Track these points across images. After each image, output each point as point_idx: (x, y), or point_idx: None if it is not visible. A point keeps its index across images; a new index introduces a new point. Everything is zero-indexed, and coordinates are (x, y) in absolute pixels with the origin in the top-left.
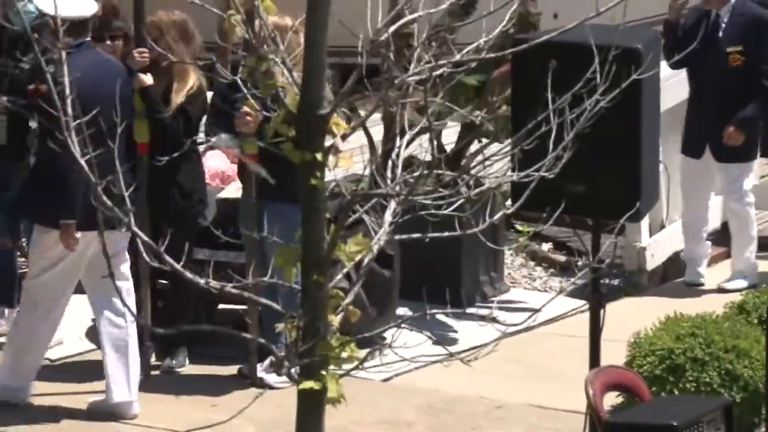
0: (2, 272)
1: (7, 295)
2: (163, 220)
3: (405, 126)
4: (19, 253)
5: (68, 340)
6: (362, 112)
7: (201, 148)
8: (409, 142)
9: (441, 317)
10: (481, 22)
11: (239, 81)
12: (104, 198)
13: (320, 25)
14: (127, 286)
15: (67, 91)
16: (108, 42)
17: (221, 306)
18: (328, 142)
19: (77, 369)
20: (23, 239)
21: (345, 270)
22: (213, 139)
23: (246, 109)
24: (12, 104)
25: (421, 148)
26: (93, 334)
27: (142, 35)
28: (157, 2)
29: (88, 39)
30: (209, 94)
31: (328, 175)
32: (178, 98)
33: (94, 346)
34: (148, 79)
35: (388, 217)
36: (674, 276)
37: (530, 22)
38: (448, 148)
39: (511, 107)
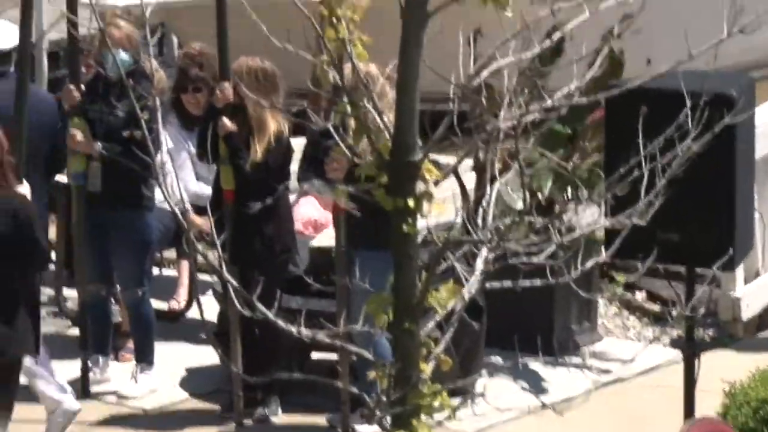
0: (96, 321)
1: (102, 343)
2: (250, 268)
3: (496, 173)
4: (113, 301)
5: (162, 388)
6: (453, 159)
7: (293, 195)
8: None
9: (533, 366)
10: (572, 67)
11: (331, 128)
12: (196, 243)
13: (412, 71)
14: None
15: (161, 137)
16: (191, 93)
17: (313, 354)
18: (420, 188)
19: (171, 418)
20: (117, 287)
21: (436, 318)
22: (306, 185)
23: (336, 155)
24: (107, 151)
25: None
26: (187, 381)
27: (227, 78)
28: (244, 48)
29: (11, 70)
30: (301, 141)
31: (420, 222)
32: (258, 146)
33: (187, 395)
34: (231, 124)
35: (479, 264)
36: None
37: (618, 62)
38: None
39: (604, 153)
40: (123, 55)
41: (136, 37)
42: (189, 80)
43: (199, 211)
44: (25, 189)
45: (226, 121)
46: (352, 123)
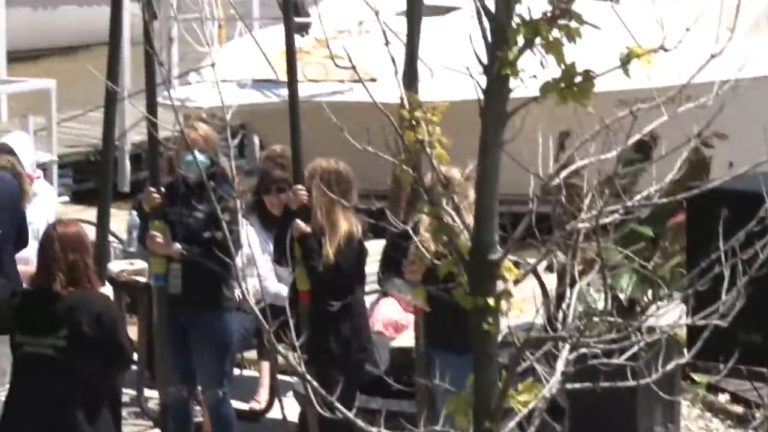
0: (177, 421)
1: None
2: (328, 369)
3: (576, 273)
4: (194, 402)
5: None
6: (533, 259)
7: (374, 296)
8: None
9: None
10: (653, 169)
11: (409, 229)
12: (276, 343)
13: (491, 171)
14: None
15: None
16: (274, 194)
17: None
18: (500, 287)
19: None
20: (198, 387)
21: (517, 419)
22: (386, 286)
23: (415, 256)
24: (187, 252)
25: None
26: None
27: (302, 179)
28: (322, 149)
29: None
30: (381, 243)
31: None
32: (330, 246)
33: None
34: (306, 226)
35: (560, 365)
36: None
37: (703, 167)
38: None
39: (686, 254)
40: (201, 157)
41: (215, 138)
42: (272, 181)
43: (278, 311)
44: (107, 290)
45: (300, 223)
46: (431, 223)
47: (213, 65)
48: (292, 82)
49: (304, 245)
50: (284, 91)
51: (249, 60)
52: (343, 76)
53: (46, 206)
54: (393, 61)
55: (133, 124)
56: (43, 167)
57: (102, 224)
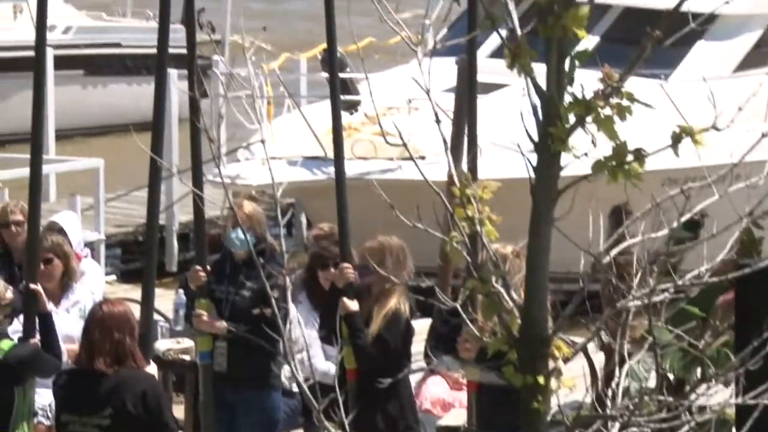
0: None
1: None
2: None
3: (625, 354)
4: None
5: None
6: (583, 337)
7: (420, 374)
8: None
9: None
10: (703, 248)
11: (458, 307)
12: (325, 422)
13: (542, 250)
14: None
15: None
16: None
17: None
18: (550, 365)
19: None
20: None
21: None
22: (434, 363)
23: (468, 334)
24: (234, 330)
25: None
26: None
27: (349, 257)
28: (373, 225)
29: None
30: (427, 322)
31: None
32: (376, 323)
33: None
34: (353, 304)
35: None
36: None
37: (753, 246)
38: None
39: (735, 333)
40: (248, 235)
41: (262, 216)
42: (330, 257)
43: (327, 389)
44: (153, 369)
45: (347, 301)
46: (481, 300)
47: (262, 142)
48: (338, 159)
49: (351, 323)
50: (332, 169)
51: (298, 137)
52: (392, 154)
53: (93, 285)
54: (443, 138)
55: (178, 198)
56: (91, 246)
57: (147, 303)
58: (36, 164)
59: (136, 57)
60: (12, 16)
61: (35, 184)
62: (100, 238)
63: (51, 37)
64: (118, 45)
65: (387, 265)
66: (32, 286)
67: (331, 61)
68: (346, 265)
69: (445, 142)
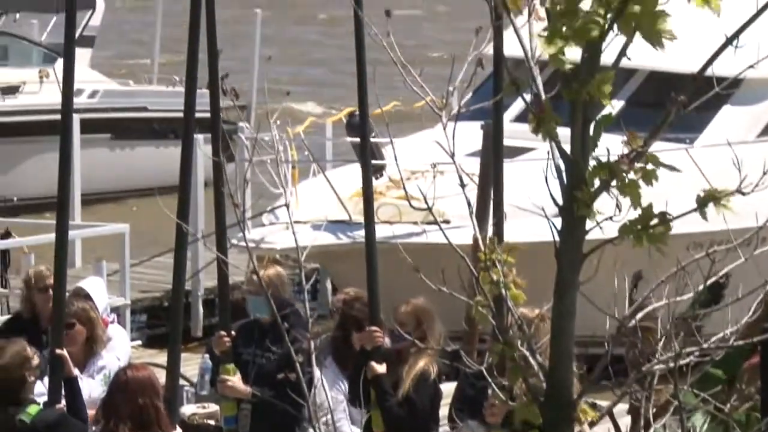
0: None
1: None
2: None
3: (650, 418)
4: None
5: None
6: (608, 401)
7: None
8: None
9: None
10: (727, 311)
11: (484, 370)
12: None
13: (567, 313)
14: None
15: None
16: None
17: None
18: (576, 429)
19: None
20: None
21: None
22: (460, 427)
23: (495, 399)
24: (259, 394)
25: None
26: None
27: (377, 320)
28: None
29: None
30: (452, 385)
31: None
32: (405, 385)
33: None
34: (380, 367)
35: None
36: None
37: None
38: None
39: (761, 397)
40: (253, 301)
41: (286, 280)
42: (365, 320)
43: None
44: None
45: (374, 364)
46: (507, 363)
47: (286, 206)
48: (369, 224)
49: (378, 385)
50: (358, 233)
51: (323, 201)
52: (417, 218)
53: (119, 350)
54: (468, 202)
55: (204, 265)
56: (117, 311)
57: (173, 368)
58: (62, 229)
59: (162, 120)
60: (38, 81)
61: (61, 250)
62: (125, 303)
63: (77, 101)
64: (144, 109)
65: (421, 329)
66: (58, 350)
67: (363, 126)
68: (374, 328)
69: (470, 205)
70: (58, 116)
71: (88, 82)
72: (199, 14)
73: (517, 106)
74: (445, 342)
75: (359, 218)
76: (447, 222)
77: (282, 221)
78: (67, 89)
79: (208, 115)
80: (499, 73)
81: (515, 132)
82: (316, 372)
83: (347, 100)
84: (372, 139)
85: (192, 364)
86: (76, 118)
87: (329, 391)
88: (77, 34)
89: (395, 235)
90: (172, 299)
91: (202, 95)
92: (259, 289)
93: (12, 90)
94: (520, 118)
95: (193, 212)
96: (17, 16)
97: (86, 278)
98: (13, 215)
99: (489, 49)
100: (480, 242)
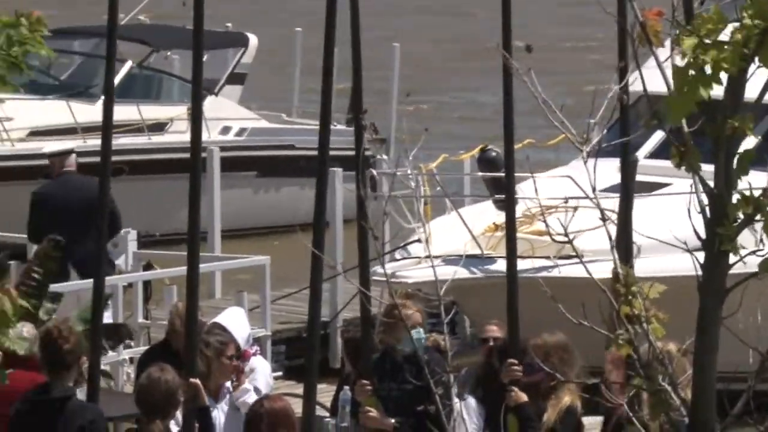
0: None
1: None
2: None
3: None
4: None
5: None
6: None
7: None
8: None
9: None
10: None
11: (625, 405)
12: None
13: (710, 348)
14: None
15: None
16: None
17: None
18: None
19: None
20: None
21: None
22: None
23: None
24: (400, 426)
25: None
26: None
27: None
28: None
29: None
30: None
31: None
32: (550, 418)
33: None
34: (522, 396)
35: None
36: None
37: None
38: None
39: None
40: (416, 333)
41: (424, 314)
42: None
43: None
44: None
45: (518, 392)
46: (648, 398)
47: (420, 241)
48: (511, 258)
49: (522, 414)
50: (492, 267)
51: (456, 236)
52: (549, 252)
53: (260, 381)
54: (609, 236)
55: (348, 301)
56: (258, 343)
57: (310, 399)
58: (193, 261)
59: (309, 158)
60: (186, 118)
61: (192, 281)
62: (266, 334)
63: (225, 138)
64: (291, 147)
65: (552, 361)
66: (192, 380)
67: (507, 164)
68: (512, 361)
69: (610, 238)
70: (202, 153)
71: (237, 120)
72: (331, 63)
73: (653, 141)
74: (584, 375)
75: (492, 253)
76: (581, 257)
77: (414, 256)
78: (196, 128)
79: (346, 151)
80: (626, 111)
81: (650, 168)
82: (456, 404)
83: (479, 136)
84: (501, 174)
85: (330, 395)
86: (218, 154)
87: (469, 424)
88: (228, 72)
89: (527, 269)
90: (308, 331)
91: (341, 132)
92: (400, 323)
93: (159, 127)
94: (655, 154)
95: (331, 246)
96: (168, 53)
97: (227, 309)
98: (158, 249)
99: (634, 85)
100: (620, 276)
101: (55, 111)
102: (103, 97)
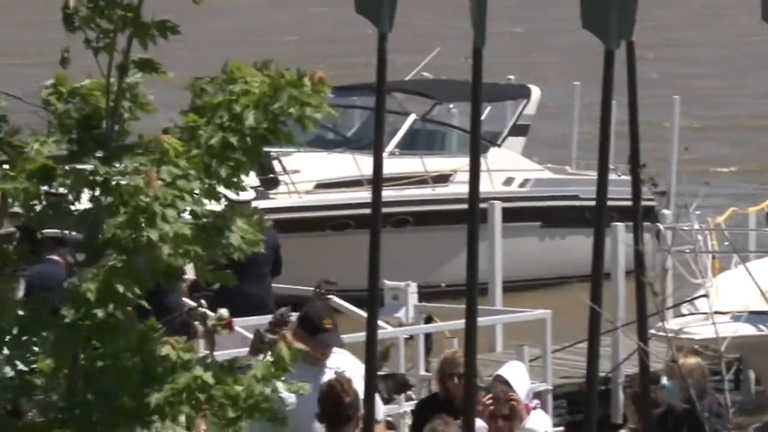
0: None
1: None
2: None
3: None
4: None
5: None
6: None
7: None
8: None
9: None
10: None
11: None
12: None
13: None
14: None
15: None
16: None
17: None
18: None
19: None
20: None
21: None
22: None
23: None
24: None
25: None
26: None
27: None
28: None
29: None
30: None
31: None
32: None
33: None
34: None
35: None
36: None
37: None
38: None
39: None
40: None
41: (706, 372)
42: None
43: None
44: None
45: None
46: None
47: (706, 296)
48: None
49: None
50: None
51: (743, 292)
52: None
53: None
54: None
55: (627, 356)
56: (539, 396)
57: None
58: (471, 315)
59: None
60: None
61: (470, 336)
62: (547, 388)
63: (509, 189)
64: (575, 197)
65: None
66: None
67: None
68: None
69: None
70: (484, 204)
71: (521, 171)
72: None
73: None
74: None
75: None
76: None
77: (701, 311)
78: (474, 180)
79: (627, 203)
80: None
81: None
82: None
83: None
84: None
85: None
86: (499, 206)
87: None
88: (511, 123)
89: None
90: (587, 386)
91: (621, 183)
92: (677, 375)
93: (443, 179)
94: None
95: (613, 300)
96: (450, 106)
97: (509, 363)
98: (439, 301)
99: None
100: None
101: (340, 164)
102: (388, 150)
